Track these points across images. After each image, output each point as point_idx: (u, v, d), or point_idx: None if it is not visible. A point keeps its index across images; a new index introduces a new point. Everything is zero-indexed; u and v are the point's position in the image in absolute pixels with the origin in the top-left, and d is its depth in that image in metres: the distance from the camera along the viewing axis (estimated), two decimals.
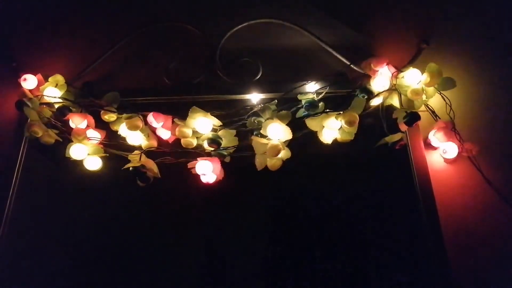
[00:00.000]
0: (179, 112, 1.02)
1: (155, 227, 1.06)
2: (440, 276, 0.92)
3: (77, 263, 1.04)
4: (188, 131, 1.01)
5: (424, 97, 1.00)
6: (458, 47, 1.12)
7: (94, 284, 1.02)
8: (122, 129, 1.04)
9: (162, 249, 1.04)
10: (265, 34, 1.18)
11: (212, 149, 1.00)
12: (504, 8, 1.13)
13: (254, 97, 1.09)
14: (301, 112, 1.02)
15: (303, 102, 1.02)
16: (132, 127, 1.01)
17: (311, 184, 1.06)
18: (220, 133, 1.01)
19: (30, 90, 1.11)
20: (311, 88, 1.07)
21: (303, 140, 0.99)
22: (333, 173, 1.06)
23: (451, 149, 1.00)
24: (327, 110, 0.98)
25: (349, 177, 1.06)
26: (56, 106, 1.08)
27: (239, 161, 1.01)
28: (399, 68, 1.04)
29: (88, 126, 1.04)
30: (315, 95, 1.03)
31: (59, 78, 1.11)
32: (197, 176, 0.98)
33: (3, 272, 1.03)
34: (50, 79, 1.11)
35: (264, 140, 0.95)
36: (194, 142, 1.02)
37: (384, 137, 0.99)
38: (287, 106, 1.02)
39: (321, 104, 1.01)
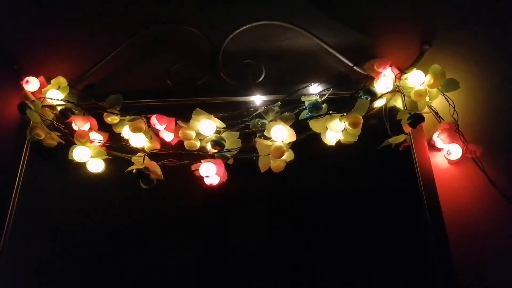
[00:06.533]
0: (182, 114, 1.01)
1: (158, 229, 1.05)
2: (445, 278, 0.92)
3: (80, 265, 1.03)
4: (192, 133, 1.00)
5: (427, 98, 1.00)
6: (461, 48, 1.12)
7: (97, 284, 1.02)
8: (125, 131, 1.04)
9: (164, 251, 1.03)
10: (267, 36, 1.18)
11: (216, 151, 0.99)
12: (507, 8, 1.13)
13: (257, 99, 1.09)
14: (305, 114, 1.01)
15: (306, 103, 1.01)
16: (135, 129, 1.00)
17: (315, 186, 1.06)
18: (223, 135, 1.00)
19: (32, 93, 1.10)
20: (315, 90, 1.06)
21: (307, 141, 0.99)
22: (336, 175, 1.06)
23: (455, 150, 1.00)
24: (331, 111, 0.98)
25: (352, 179, 1.06)
26: (59, 108, 1.08)
27: (243, 163, 1.01)
28: (403, 70, 1.03)
29: (90, 129, 1.04)
30: (318, 97, 1.02)
31: (62, 80, 1.10)
32: (201, 178, 0.98)
33: (6, 274, 1.02)
34: (52, 81, 1.10)
35: (268, 142, 0.95)
36: (198, 144, 1.02)
37: (387, 139, 0.99)
38: (290, 107, 1.02)
39: (324, 105, 1.01)
